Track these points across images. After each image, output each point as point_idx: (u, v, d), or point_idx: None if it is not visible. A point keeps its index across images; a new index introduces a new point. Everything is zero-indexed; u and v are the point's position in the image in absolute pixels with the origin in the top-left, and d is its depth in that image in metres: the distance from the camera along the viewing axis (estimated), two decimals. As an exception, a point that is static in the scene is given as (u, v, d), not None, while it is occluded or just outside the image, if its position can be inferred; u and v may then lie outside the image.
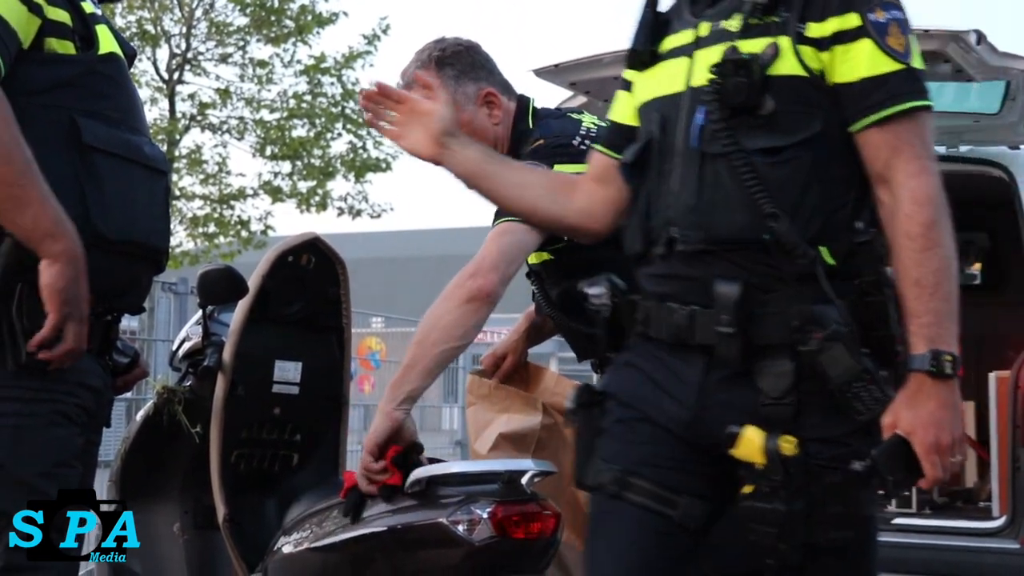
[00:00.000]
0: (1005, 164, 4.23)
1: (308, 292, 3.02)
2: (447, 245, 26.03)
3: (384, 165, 13.49)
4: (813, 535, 1.81)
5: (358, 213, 13.70)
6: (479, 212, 78.38)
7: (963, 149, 4.39)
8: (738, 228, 1.85)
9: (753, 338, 1.83)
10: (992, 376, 4.01)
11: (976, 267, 6.09)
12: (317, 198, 13.33)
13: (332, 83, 13.35)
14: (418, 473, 2.43)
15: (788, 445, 1.79)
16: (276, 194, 13.34)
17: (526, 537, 2.37)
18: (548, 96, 15.25)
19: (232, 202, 13.50)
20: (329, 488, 2.87)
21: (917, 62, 1.86)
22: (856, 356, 1.80)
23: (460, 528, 2.36)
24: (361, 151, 13.41)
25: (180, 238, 13.24)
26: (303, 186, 13.32)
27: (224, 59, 13.41)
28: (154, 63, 13.24)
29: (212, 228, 13.36)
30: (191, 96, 13.33)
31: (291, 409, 3.02)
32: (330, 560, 2.64)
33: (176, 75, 13.30)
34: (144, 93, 12.73)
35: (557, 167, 2.53)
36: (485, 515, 2.35)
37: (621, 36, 2.74)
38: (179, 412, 2.97)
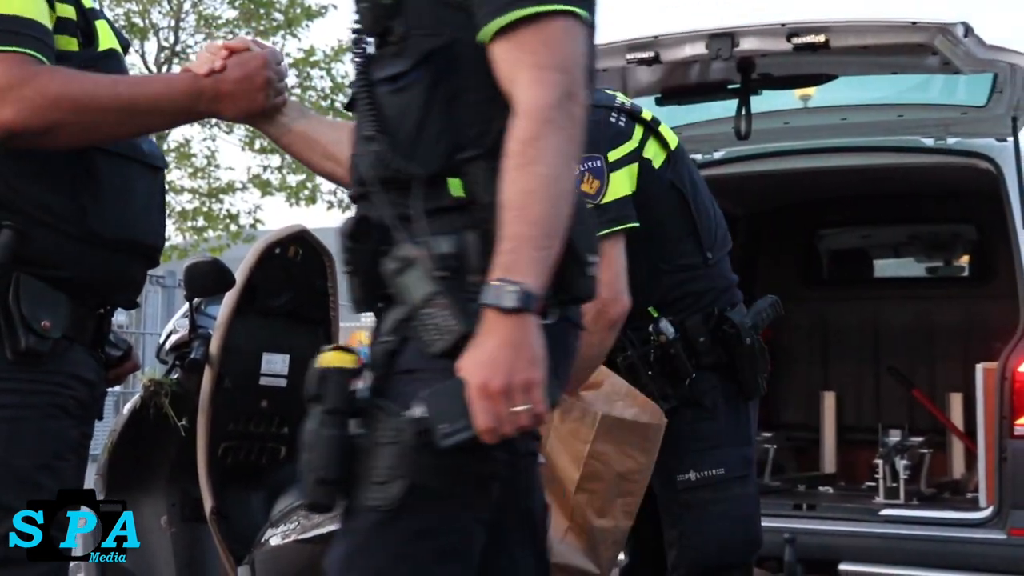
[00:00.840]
0: (992, 156, 4.24)
1: (295, 284, 3.02)
2: (437, 239, 25.91)
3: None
4: (356, 489, 1.60)
5: (348, 207, 13.66)
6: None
7: (951, 141, 4.40)
8: (365, 164, 1.71)
9: (378, 280, 1.65)
10: (979, 367, 4.02)
11: (964, 259, 6.12)
12: (307, 192, 13.34)
13: (321, 76, 13.39)
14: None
15: (327, 356, 1.63)
16: (265, 188, 13.33)
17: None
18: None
19: (221, 196, 13.49)
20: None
21: None
22: (431, 279, 1.58)
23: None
24: (351, 144, 13.40)
25: (169, 231, 13.10)
26: (292, 180, 13.32)
27: (213, 52, 13.38)
28: (142, 56, 13.25)
29: (201, 222, 13.35)
30: (180, 89, 13.30)
31: (278, 402, 3.01)
32: (317, 551, 2.63)
33: (164, 68, 13.28)
34: (132, 86, 12.67)
35: (612, 153, 2.66)
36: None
37: (608, 29, 2.74)
38: (166, 405, 2.96)
